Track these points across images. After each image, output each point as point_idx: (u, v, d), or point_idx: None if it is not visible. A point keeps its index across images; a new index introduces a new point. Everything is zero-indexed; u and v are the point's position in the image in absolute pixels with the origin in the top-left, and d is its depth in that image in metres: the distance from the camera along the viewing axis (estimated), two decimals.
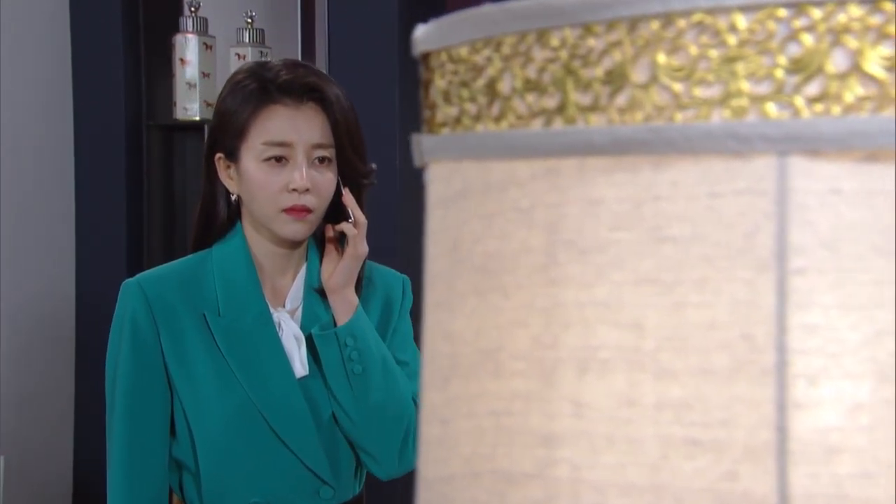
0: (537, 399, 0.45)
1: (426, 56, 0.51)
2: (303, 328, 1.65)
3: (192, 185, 3.78)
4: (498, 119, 0.47)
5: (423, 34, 0.51)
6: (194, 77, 3.64)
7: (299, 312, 1.66)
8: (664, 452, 0.41)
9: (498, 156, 0.47)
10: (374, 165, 1.67)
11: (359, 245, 1.64)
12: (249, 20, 3.64)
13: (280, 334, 1.63)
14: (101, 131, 3.64)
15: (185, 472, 1.60)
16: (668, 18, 0.42)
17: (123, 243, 3.59)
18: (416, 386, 1.71)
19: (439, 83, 0.50)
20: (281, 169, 1.60)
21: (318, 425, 1.62)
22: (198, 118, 3.64)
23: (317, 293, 1.66)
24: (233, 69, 3.64)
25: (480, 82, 0.47)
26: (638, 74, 0.43)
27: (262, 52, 3.66)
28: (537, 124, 0.45)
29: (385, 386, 1.63)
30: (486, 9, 0.47)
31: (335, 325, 1.63)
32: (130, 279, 1.66)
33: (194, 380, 1.60)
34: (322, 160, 1.62)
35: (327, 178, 1.62)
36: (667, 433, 0.41)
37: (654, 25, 0.42)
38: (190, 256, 1.69)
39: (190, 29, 3.65)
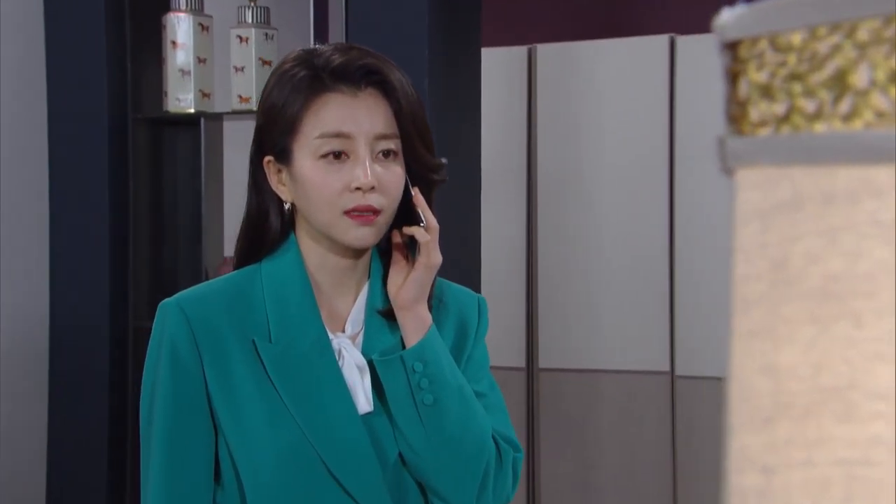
0: None
1: (735, 45, 0.50)
2: (366, 356, 1.63)
3: (185, 189, 3.78)
4: (849, 117, 0.46)
5: (734, 19, 0.50)
6: (188, 63, 3.63)
7: (361, 338, 1.65)
8: None
9: (848, 160, 0.46)
10: (444, 159, 1.66)
11: (432, 253, 1.62)
12: None
13: (340, 363, 1.61)
14: (79, 126, 3.63)
15: None
16: None
17: (105, 255, 3.59)
18: (497, 421, 1.69)
19: (755, 76, 0.49)
20: (340, 166, 1.58)
21: (384, 468, 1.60)
22: (192, 110, 3.63)
23: (382, 315, 1.65)
24: (233, 53, 3.65)
25: (823, 74, 0.47)
26: None
27: (266, 34, 3.66)
28: None
29: (462, 419, 1.61)
30: None
31: (404, 348, 1.62)
32: (169, 299, 1.64)
33: (242, 416, 1.58)
34: (387, 153, 1.60)
35: (395, 174, 1.60)
36: None
37: None
38: (236, 272, 1.67)
39: (183, 7, 3.64)
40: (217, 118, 3.74)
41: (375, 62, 1.62)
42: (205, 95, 3.69)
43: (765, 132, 0.49)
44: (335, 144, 1.60)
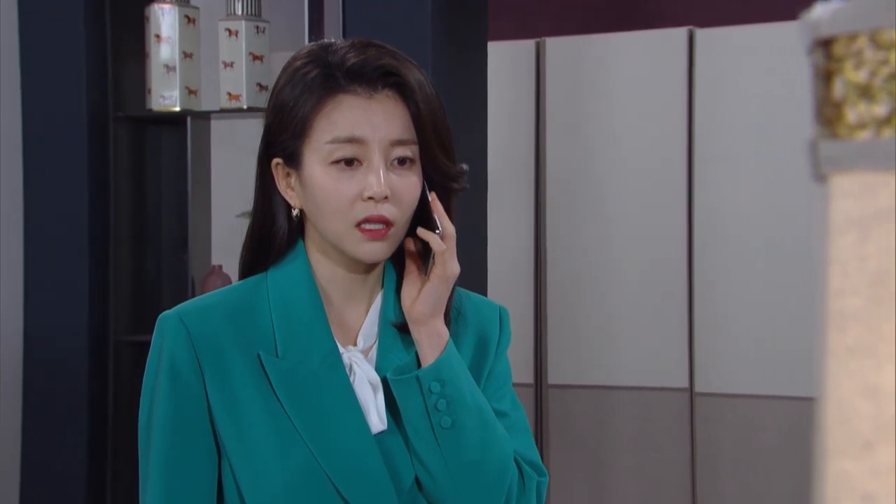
0: None
1: (828, 42, 0.51)
2: (379, 372, 1.63)
3: (170, 193, 3.78)
4: None
5: (828, 14, 0.51)
6: (173, 58, 3.64)
7: (374, 352, 1.64)
8: None
9: None
10: (465, 166, 1.66)
11: (449, 263, 1.62)
12: None
13: (352, 379, 1.61)
14: (56, 125, 3.63)
15: None
16: None
17: (84, 264, 3.59)
18: (520, 443, 1.70)
19: (853, 75, 0.50)
20: (353, 173, 1.58)
21: (399, 492, 1.60)
22: (178, 108, 3.64)
23: (396, 328, 1.66)
24: (222, 48, 3.65)
25: None
26: None
27: (257, 27, 3.67)
28: None
29: (482, 442, 1.61)
30: None
31: (419, 366, 1.63)
32: (168, 311, 1.64)
33: (247, 437, 1.58)
34: (403, 161, 1.60)
35: (410, 183, 1.60)
36: None
37: None
38: (240, 283, 1.67)
39: None
40: (204, 117, 3.74)
41: (394, 62, 1.61)
42: (191, 92, 3.69)
43: (863, 135, 0.50)
44: (347, 150, 1.59)
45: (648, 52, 4.26)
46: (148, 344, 1.69)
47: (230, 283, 3.78)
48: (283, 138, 1.63)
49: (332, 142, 1.60)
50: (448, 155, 1.65)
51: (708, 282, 4.19)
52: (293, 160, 1.63)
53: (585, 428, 4.31)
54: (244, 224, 4.34)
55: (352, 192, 1.59)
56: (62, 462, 3.66)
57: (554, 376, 4.39)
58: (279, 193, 1.66)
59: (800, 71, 4.06)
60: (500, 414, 1.70)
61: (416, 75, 1.63)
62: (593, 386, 4.32)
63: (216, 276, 3.68)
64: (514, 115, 4.39)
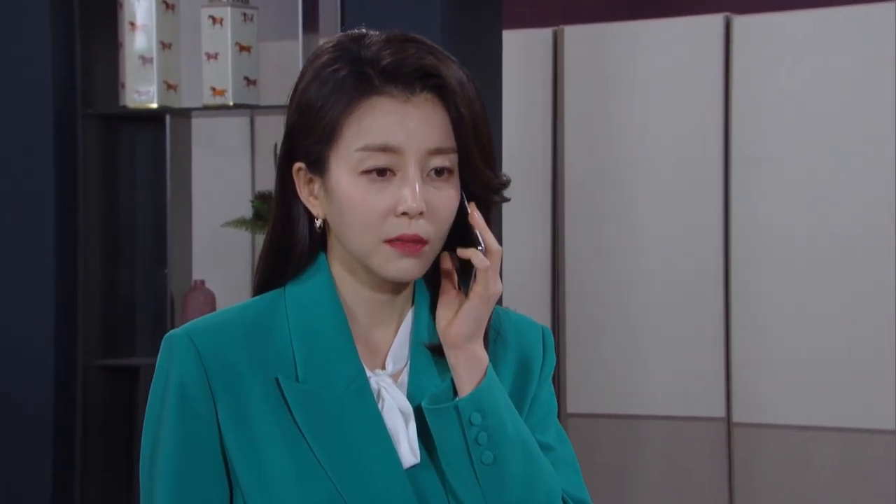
0: None
1: None
2: (410, 398, 1.63)
3: (146, 199, 3.78)
4: None
5: None
6: (150, 48, 3.63)
7: (405, 376, 1.64)
8: None
9: None
10: (507, 176, 1.67)
11: (491, 282, 1.61)
12: None
13: (380, 406, 1.61)
14: (17, 124, 3.63)
15: None
16: None
17: (50, 279, 3.58)
18: (568, 480, 1.70)
19: None
20: (385, 185, 1.58)
21: None
22: (155, 105, 3.64)
23: (428, 349, 1.66)
24: (205, 36, 3.66)
25: None
26: None
27: (244, 15, 3.67)
28: None
29: (526, 480, 1.61)
30: None
31: (455, 393, 1.63)
32: (176, 330, 1.64)
33: (264, 470, 1.58)
34: (440, 172, 1.60)
35: (448, 197, 1.60)
36: None
37: None
38: (256, 299, 1.68)
39: None
40: (185, 114, 3.75)
41: (435, 61, 1.62)
42: (170, 87, 3.70)
43: None
44: (380, 160, 1.60)
45: (680, 41, 4.28)
46: (122, 369, 1.70)
47: (214, 300, 3.79)
48: (307, 143, 1.63)
49: (364, 149, 1.60)
50: (490, 164, 1.65)
51: (747, 297, 4.20)
52: (318, 166, 1.63)
53: (609, 462, 4.32)
54: (229, 235, 4.34)
55: (383, 207, 1.59)
56: (23, 500, 3.66)
57: (574, 404, 4.40)
58: (300, 202, 1.67)
59: (851, 62, 4.08)
60: (545, 447, 1.70)
61: (457, 75, 1.63)
62: (618, 415, 4.33)
63: (199, 293, 3.68)
64: (528, 112, 4.41)
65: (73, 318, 3.66)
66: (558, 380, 4.37)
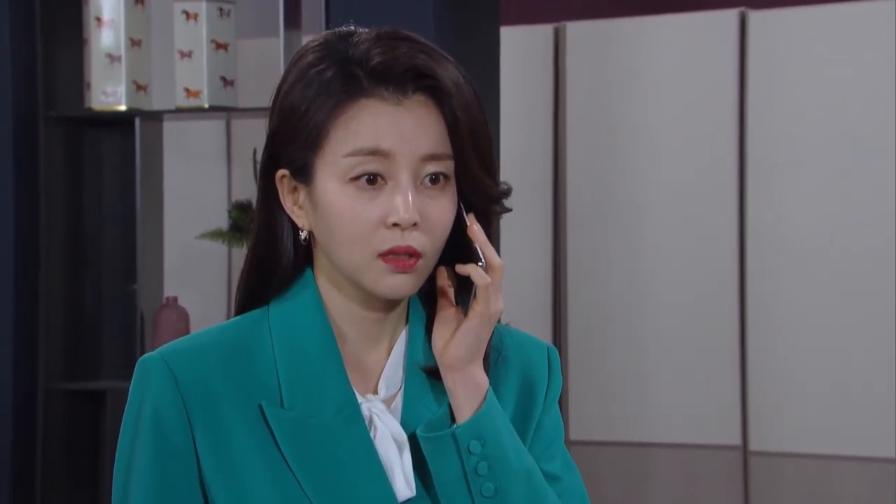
0: None
1: None
2: (405, 425, 1.64)
3: (113, 208, 3.78)
4: None
5: None
6: (117, 46, 3.63)
7: (399, 402, 1.64)
8: None
9: None
10: (508, 184, 1.68)
11: (492, 300, 1.62)
12: None
13: (373, 435, 1.62)
14: None
15: None
16: None
17: (9, 296, 3.58)
18: None
19: None
20: (375, 193, 1.58)
21: None
22: (123, 107, 3.64)
23: (424, 372, 1.67)
24: (178, 33, 3.66)
25: None
26: None
27: (221, 10, 3.68)
28: None
29: None
30: None
31: (453, 420, 1.64)
32: (151, 354, 1.64)
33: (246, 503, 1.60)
34: (435, 179, 1.60)
35: (443, 207, 1.60)
36: None
37: None
38: (236, 319, 1.68)
39: None
40: (156, 117, 3.76)
41: (429, 61, 1.62)
42: (140, 88, 3.70)
43: None
44: (370, 165, 1.60)
45: (691, 38, 4.29)
46: (87, 393, 1.70)
47: (187, 318, 3.79)
48: (291, 149, 1.64)
49: (352, 154, 1.61)
50: (489, 172, 1.66)
51: (765, 315, 4.21)
52: (303, 174, 1.64)
53: (617, 494, 4.32)
54: (204, 248, 4.34)
55: (373, 217, 1.60)
56: None
57: (577, 431, 4.40)
58: (284, 212, 1.67)
59: (877, 59, 4.08)
60: (550, 477, 1.71)
61: (453, 75, 1.63)
62: (626, 443, 4.33)
63: (171, 311, 3.68)
64: (527, 114, 4.41)
65: (34, 338, 3.66)
66: (561, 406, 4.37)
